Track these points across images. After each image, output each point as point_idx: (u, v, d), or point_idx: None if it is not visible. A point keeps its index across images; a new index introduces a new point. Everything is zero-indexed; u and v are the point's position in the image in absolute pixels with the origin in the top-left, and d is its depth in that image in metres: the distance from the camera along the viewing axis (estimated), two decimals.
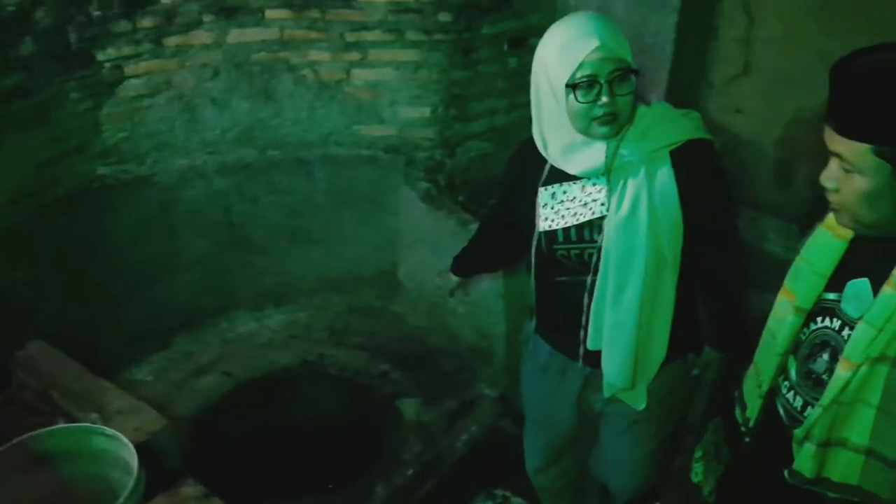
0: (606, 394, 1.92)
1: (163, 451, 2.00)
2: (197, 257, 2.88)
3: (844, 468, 1.31)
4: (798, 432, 1.36)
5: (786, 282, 1.43)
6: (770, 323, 1.46)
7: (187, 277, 2.89)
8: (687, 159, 1.69)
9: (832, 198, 1.26)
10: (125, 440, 1.71)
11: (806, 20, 2.32)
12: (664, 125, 1.70)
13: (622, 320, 1.78)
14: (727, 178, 1.82)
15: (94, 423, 1.90)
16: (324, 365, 2.85)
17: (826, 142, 1.23)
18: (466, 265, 2.16)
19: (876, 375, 1.23)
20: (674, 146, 1.68)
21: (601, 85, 1.59)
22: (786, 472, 1.39)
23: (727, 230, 1.88)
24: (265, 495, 2.55)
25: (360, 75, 2.83)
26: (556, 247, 1.79)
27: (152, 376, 2.77)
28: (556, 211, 1.77)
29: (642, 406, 1.93)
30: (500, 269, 2.25)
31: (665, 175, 1.68)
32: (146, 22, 2.53)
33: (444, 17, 2.73)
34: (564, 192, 1.76)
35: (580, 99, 1.60)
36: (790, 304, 1.39)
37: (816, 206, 1.42)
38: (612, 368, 1.85)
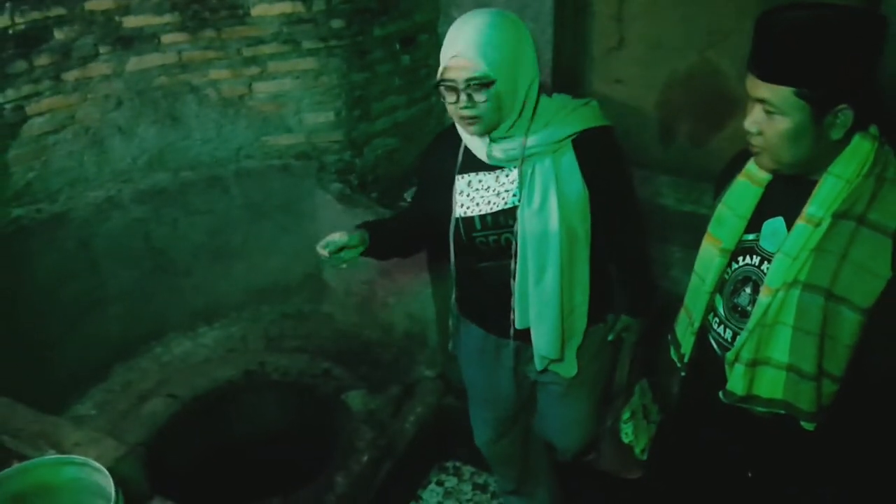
0: (539, 367, 2.03)
1: (127, 476, 2.01)
2: (123, 287, 2.88)
3: (770, 384, 1.47)
4: (729, 355, 1.52)
5: (710, 229, 1.58)
6: (697, 267, 1.62)
7: (116, 309, 2.88)
8: (587, 145, 1.81)
9: (755, 141, 1.40)
10: (96, 465, 1.71)
11: None
12: (565, 116, 1.81)
13: (546, 299, 1.89)
14: (625, 157, 1.94)
15: None
16: (266, 372, 2.89)
17: (749, 90, 1.37)
18: (381, 232, 2.01)
19: (790, 298, 1.40)
20: (575, 135, 1.80)
21: (458, 91, 1.68)
22: (720, 393, 1.54)
23: (627, 205, 2.01)
24: None
25: (263, 88, 2.88)
26: (474, 234, 1.89)
27: (96, 410, 2.75)
28: (471, 198, 1.87)
29: (573, 374, 2.05)
30: (408, 253, 2.22)
31: (569, 162, 1.80)
32: (43, 59, 2.52)
33: (336, 23, 2.81)
34: (480, 181, 1.87)
35: (443, 98, 1.71)
36: (716, 247, 1.55)
37: (728, 168, 1.60)
38: (542, 342, 1.96)
